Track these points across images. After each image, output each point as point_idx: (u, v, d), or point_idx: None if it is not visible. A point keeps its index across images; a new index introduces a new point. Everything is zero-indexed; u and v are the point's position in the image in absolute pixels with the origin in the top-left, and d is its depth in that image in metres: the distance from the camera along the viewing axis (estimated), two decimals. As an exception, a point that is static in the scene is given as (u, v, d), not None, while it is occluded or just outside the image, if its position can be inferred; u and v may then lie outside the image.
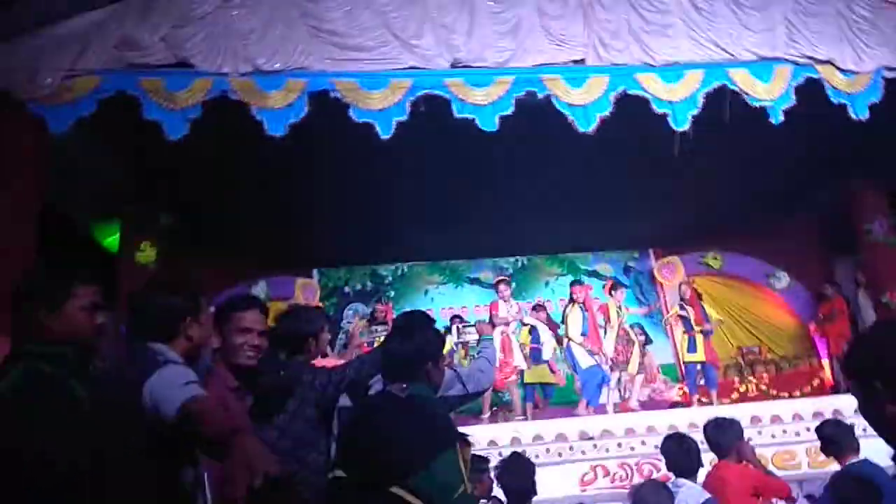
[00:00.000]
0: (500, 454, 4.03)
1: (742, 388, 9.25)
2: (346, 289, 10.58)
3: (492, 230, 9.16)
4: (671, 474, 3.73)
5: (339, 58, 5.62)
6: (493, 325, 6.70)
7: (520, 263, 10.92)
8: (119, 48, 5.33)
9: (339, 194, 7.69)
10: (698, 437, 3.93)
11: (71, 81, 5.23)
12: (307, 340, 2.93)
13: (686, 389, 8.03)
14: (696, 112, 5.87)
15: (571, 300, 7.59)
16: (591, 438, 5.75)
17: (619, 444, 5.74)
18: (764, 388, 9.25)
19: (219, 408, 1.94)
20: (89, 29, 5.29)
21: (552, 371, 7.68)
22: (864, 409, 1.56)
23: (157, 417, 1.87)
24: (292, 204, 7.88)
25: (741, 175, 7.97)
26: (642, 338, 8.50)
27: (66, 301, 2.09)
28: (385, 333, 4.83)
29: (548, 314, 8.01)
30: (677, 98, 5.90)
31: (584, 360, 7.17)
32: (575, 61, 5.97)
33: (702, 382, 7.82)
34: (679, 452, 3.71)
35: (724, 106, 5.99)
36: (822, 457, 4.15)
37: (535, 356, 7.60)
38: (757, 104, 5.98)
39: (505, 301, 7.58)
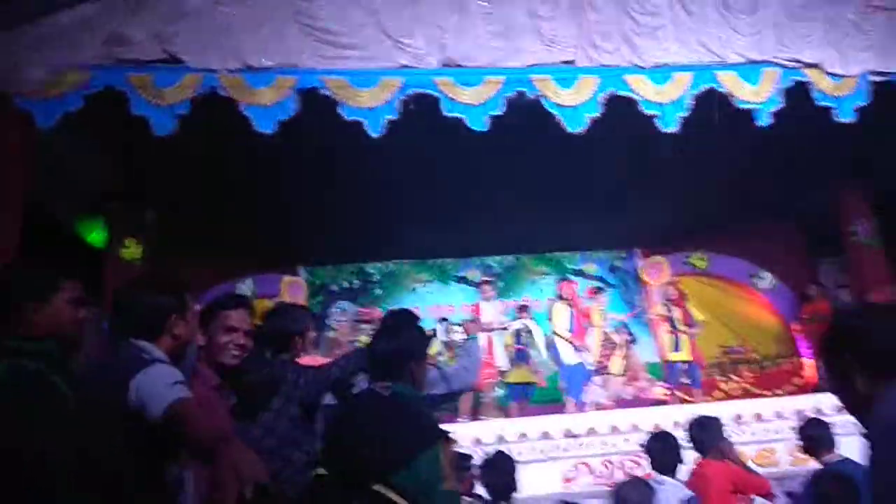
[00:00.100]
0: (484, 452, 4.05)
1: (726, 387, 9.34)
2: (333, 287, 10.55)
3: (479, 229, 9.19)
4: (654, 472, 3.78)
5: (329, 55, 5.61)
6: (480, 325, 6.74)
7: (507, 262, 10.95)
8: (107, 43, 5.30)
9: (326, 192, 7.68)
10: (682, 435, 3.98)
11: (58, 76, 5.19)
12: (293, 339, 2.94)
13: (668, 388, 8.10)
14: (684, 114, 5.93)
15: (559, 297, 7.63)
16: (575, 436, 5.80)
17: (603, 442, 5.80)
18: (747, 386, 9.35)
19: (204, 412, 1.94)
20: (78, 24, 5.25)
21: (534, 372, 7.73)
22: (834, 385, 1.62)
23: (143, 416, 1.88)
24: (280, 201, 7.86)
25: (728, 176, 8.04)
26: (628, 337, 8.56)
27: (53, 295, 2.08)
28: (371, 332, 4.84)
29: (531, 315, 8.05)
30: (666, 100, 5.95)
31: (569, 357, 7.21)
32: (565, 62, 6.00)
33: (686, 381, 7.90)
34: (661, 450, 3.76)
35: (712, 108, 6.04)
36: (802, 455, 4.21)
37: (519, 356, 7.63)
38: (744, 107, 6.04)
39: (488, 302, 7.61)
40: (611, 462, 5.68)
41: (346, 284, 10.59)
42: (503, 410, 7.87)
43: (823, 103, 6.18)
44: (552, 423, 6.02)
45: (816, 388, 8.36)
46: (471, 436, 5.82)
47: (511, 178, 7.50)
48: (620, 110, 5.90)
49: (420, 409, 2.06)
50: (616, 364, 7.72)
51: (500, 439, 5.79)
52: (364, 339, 6.91)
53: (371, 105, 5.52)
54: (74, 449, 1.91)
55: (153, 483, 1.95)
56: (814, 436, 3.88)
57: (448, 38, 5.74)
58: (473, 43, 5.76)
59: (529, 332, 7.74)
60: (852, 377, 1.55)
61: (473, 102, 5.67)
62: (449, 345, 6.98)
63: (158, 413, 1.85)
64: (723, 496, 3.75)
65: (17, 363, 1.96)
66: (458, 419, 6.69)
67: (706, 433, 3.94)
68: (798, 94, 6.14)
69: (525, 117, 5.93)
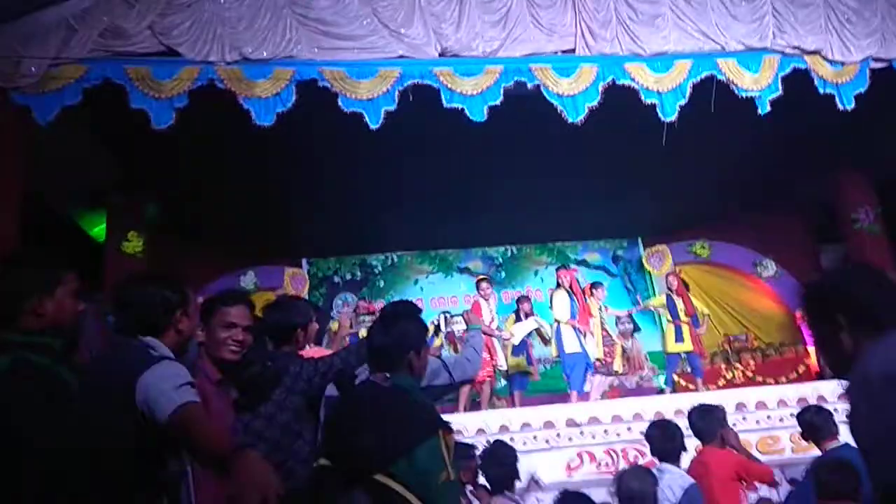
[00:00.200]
0: (487, 441, 4.07)
1: (729, 375, 9.35)
2: (336, 278, 10.57)
3: (481, 220, 9.18)
4: (656, 460, 3.79)
5: (327, 46, 5.60)
6: (481, 315, 6.75)
7: (509, 253, 10.96)
8: (105, 36, 5.29)
9: (328, 184, 7.68)
10: (684, 423, 3.99)
11: (56, 70, 5.20)
12: (295, 331, 2.94)
13: (674, 377, 8.11)
14: (683, 102, 5.90)
15: (558, 285, 7.65)
16: (578, 425, 5.81)
17: (606, 431, 5.81)
18: (750, 374, 9.36)
19: (210, 419, 1.94)
20: (74, 17, 5.24)
21: (530, 363, 7.75)
22: (821, 344, 1.65)
23: (149, 414, 1.88)
24: (281, 194, 7.86)
25: (729, 165, 8.02)
26: (630, 326, 8.56)
27: (56, 287, 2.09)
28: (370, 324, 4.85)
29: (531, 305, 8.05)
30: (665, 88, 5.93)
31: (571, 345, 7.21)
32: (564, 51, 5.98)
33: (688, 370, 7.91)
34: (663, 439, 3.76)
35: (711, 96, 6.02)
36: (805, 442, 4.22)
37: (518, 348, 7.65)
38: (744, 94, 6.02)
39: (486, 300, 7.62)
40: (614, 451, 5.70)
41: (348, 276, 10.61)
42: (504, 400, 7.88)
43: (824, 90, 6.15)
44: (555, 412, 6.03)
45: (819, 376, 8.37)
46: (474, 426, 5.83)
47: (513, 168, 7.48)
48: (621, 99, 5.89)
49: (420, 399, 2.06)
50: (617, 361, 7.75)
51: (504, 429, 5.80)
52: (363, 331, 6.91)
53: (369, 96, 5.51)
54: (80, 442, 1.92)
55: (153, 476, 1.95)
56: (814, 422, 3.88)
57: (446, 27, 5.72)
58: (471, 32, 5.74)
59: (538, 330, 7.75)
60: (838, 335, 1.58)
61: (472, 92, 5.65)
62: (449, 336, 6.97)
63: (165, 415, 1.85)
64: (724, 484, 3.76)
65: (21, 356, 1.95)
66: (459, 411, 6.71)
67: (707, 421, 3.94)
68: (798, 81, 6.12)
69: (525, 107, 5.92)
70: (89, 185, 7.37)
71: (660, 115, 5.88)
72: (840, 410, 3.83)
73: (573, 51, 5.94)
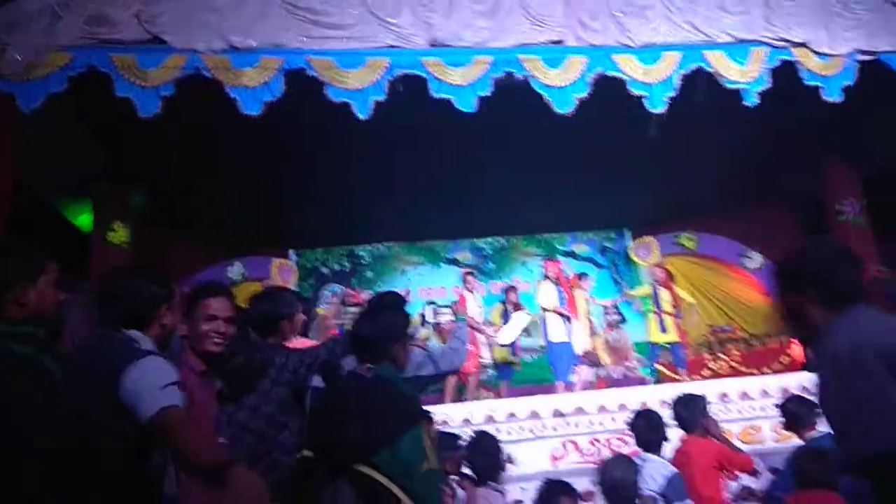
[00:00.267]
0: (473, 432, 4.10)
1: (714, 366, 9.42)
2: (324, 269, 10.55)
3: (470, 211, 9.18)
4: (639, 449, 3.83)
5: (315, 35, 5.56)
6: (466, 309, 6.79)
7: (497, 244, 10.97)
8: (90, 24, 5.23)
9: (317, 174, 7.65)
10: (668, 413, 4.04)
11: (41, 58, 5.13)
12: (281, 322, 2.95)
13: (659, 368, 8.18)
14: (672, 94, 5.92)
15: (545, 276, 7.69)
16: (563, 415, 5.86)
17: (591, 421, 5.86)
18: (735, 365, 9.44)
19: (194, 418, 1.95)
20: (59, 4, 5.18)
21: (513, 354, 7.79)
22: (789, 315, 1.72)
23: (131, 410, 1.88)
24: (269, 184, 7.82)
25: (717, 157, 8.05)
26: (617, 317, 8.62)
27: (39, 277, 2.08)
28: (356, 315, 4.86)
29: (518, 296, 8.09)
30: (654, 80, 5.94)
31: (557, 334, 7.25)
32: (553, 42, 5.97)
33: (671, 361, 8.00)
34: (648, 429, 3.81)
35: (700, 88, 6.04)
36: (787, 432, 4.28)
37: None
38: (732, 86, 6.04)
39: (472, 293, 7.64)
40: (598, 440, 5.76)
41: (336, 267, 10.59)
42: (493, 391, 7.93)
43: (811, 83, 6.19)
44: (541, 402, 6.08)
45: (804, 367, 8.46)
46: (460, 416, 5.86)
47: (502, 159, 7.48)
48: (611, 91, 5.89)
49: (402, 390, 2.08)
50: (602, 355, 7.81)
51: (490, 419, 5.84)
52: (348, 324, 6.94)
53: (358, 86, 5.48)
54: (66, 433, 1.92)
55: (136, 468, 1.96)
56: (796, 412, 3.94)
57: (435, 17, 5.70)
58: (460, 22, 5.72)
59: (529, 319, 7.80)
60: (806, 308, 1.67)
61: (462, 83, 5.64)
62: (436, 327, 6.99)
63: (147, 415, 1.87)
64: (706, 473, 3.81)
65: (6, 346, 1.95)
66: (446, 401, 6.74)
67: (690, 411, 3.99)
68: (786, 74, 6.15)
69: (515, 98, 5.92)
70: (76, 175, 7.30)
71: (648, 106, 5.89)
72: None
73: (562, 41, 5.94)
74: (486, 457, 3.58)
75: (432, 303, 7.87)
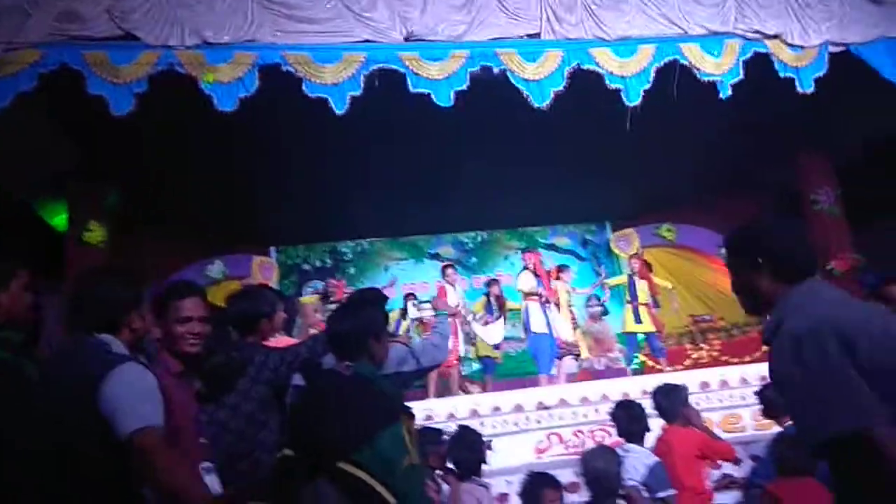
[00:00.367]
0: (457, 427, 4.10)
1: (694, 356, 9.52)
2: (306, 266, 10.49)
3: (451, 206, 9.18)
4: (622, 440, 3.86)
5: (290, 30, 5.51)
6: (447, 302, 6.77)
7: (480, 238, 11.00)
8: (60, 20, 5.13)
9: (295, 171, 7.60)
10: (649, 403, 4.07)
11: (10, 55, 5.03)
12: (259, 321, 2.93)
13: (639, 357, 8.26)
14: (648, 87, 5.96)
15: (524, 267, 7.74)
16: (547, 408, 5.89)
17: (574, 413, 5.90)
18: (715, 354, 9.55)
19: (172, 452, 1.92)
20: (29, 1, 5.07)
21: (495, 347, 7.82)
22: (740, 286, 1.75)
23: (110, 422, 1.86)
24: (247, 181, 7.75)
25: (694, 149, 8.13)
26: (599, 308, 8.67)
27: (10, 281, 2.06)
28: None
29: (500, 289, 8.12)
30: (629, 73, 5.97)
31: (538, 324, 7.28)
32: (530, 35, 5.97)
33: (649, 352, 8.08)
34: (628, 418, 3.84)
35: (674, 80, 6.08)
36: (765, 419, 4.33)
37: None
38: (706, 79, 6.09)
39: (452, 285, 7.65)
40: (581, 432, 5.80)
41: (318, 264, 10.53)
42: (478, 384, 7.95)
43: (785, 74, 6.26)
44: (524, 395, 6.11)
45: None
46: (445, 411, 5.87)
47: (482, 154, 7.49)
48: (588, 85, 5.92)
49: (381, 387, 2.08)
50: (583, 349, 7.87)
51: (474, 413, 5.85)
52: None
53: (334, 81, 5.45)
54: (47, 437, 1.90)
55: (116, 471, 1.93)
56: (774, 399, 3.98)
57: (411, 11, 5.67)
58: (436, 16, 5.70)
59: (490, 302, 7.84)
60: (757, 279, 1.68)
61: (438, 77, 5.63)
62: (417, 322, 6.98)
63: (125, 431, 1.85)
64: (687, 461, 3.85)
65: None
66: (429, 396, 6.75)
67: (671, 401, 4.03)
68: (760, 66, 6.21)
69: (493, 93, 5.92)
70: (49, 174, 7.17)
71: (624, 100, 5.92)
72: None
73: (539, 35, 5.94)
74: (468, 451, 3.59)
75: (411, 294, 7.87)
